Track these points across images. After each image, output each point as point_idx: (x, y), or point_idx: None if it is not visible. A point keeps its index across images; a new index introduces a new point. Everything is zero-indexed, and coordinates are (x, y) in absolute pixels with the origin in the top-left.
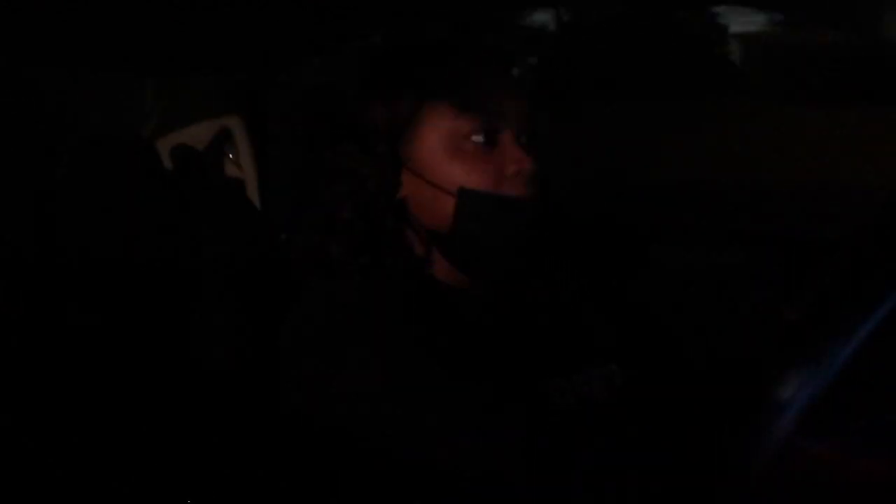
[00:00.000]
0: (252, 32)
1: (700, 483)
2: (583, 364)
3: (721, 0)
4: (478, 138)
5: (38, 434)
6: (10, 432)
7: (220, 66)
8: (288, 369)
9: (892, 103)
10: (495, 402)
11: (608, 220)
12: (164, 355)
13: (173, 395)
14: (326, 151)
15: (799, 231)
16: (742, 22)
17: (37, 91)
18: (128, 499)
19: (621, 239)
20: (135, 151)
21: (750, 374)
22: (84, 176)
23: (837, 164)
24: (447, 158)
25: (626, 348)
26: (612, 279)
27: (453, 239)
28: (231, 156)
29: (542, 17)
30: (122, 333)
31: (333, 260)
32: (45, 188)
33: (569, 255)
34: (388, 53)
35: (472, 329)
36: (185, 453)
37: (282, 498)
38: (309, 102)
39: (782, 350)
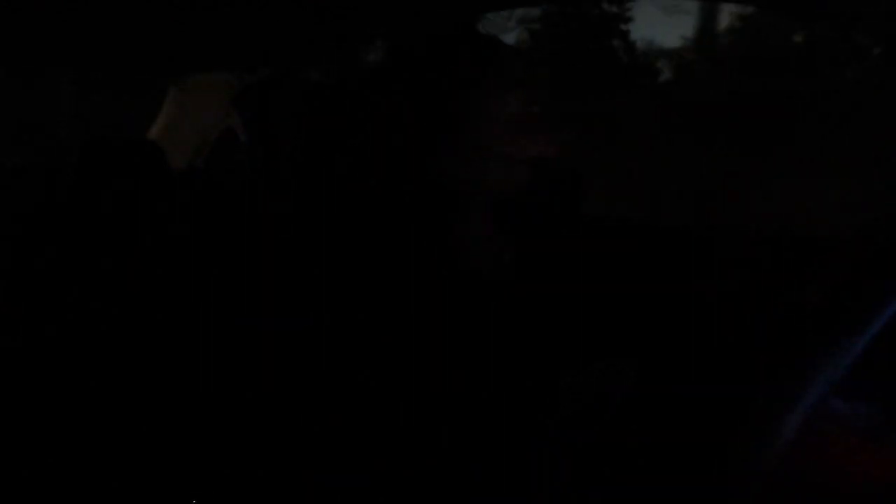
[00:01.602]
0: (257, 33)
1: (707, 480)
2: (598, 358)
3: None
4: (536, 110)
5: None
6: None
7: (227, 67)
8: None
9: None
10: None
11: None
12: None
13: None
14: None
15: None
16: None
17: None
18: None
19: (635, 237)
20: (141, 151)
21: (758, 370)
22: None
23: None
24: (515, 131)
25: (642, 345)
26: (621, 275)
27: (519, 206)
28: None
29: None
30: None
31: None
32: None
33: (585, 248)
34: (448, 45)
35: (495, 316)
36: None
37: None
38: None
39: (793, 344)
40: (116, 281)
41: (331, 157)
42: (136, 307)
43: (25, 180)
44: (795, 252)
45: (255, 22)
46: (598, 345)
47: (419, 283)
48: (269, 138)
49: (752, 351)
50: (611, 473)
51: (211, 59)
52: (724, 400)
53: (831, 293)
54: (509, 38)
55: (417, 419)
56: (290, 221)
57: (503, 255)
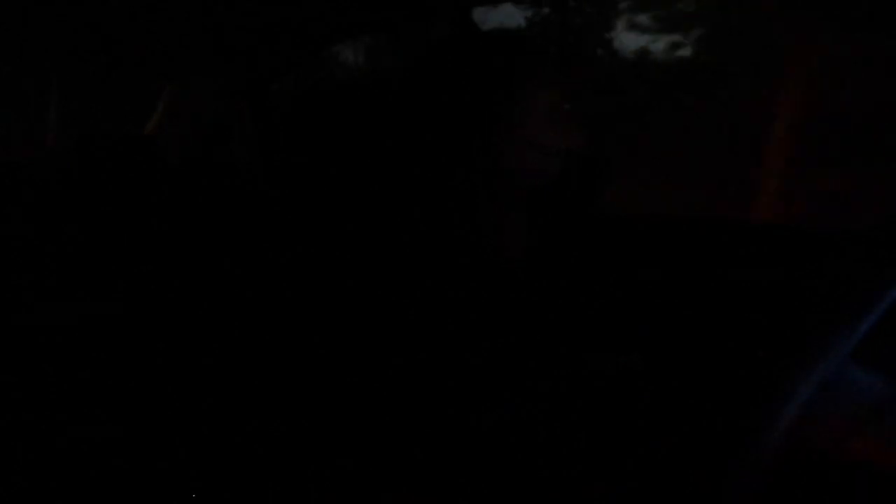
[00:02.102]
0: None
1: (706, 476)
2: (606, 349)
3: None
4: (567, 105)
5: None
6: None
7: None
8: None
9: None
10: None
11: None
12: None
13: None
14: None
15: None
16: None
17: None
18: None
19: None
20: (134, 147)
21: (755, 367)
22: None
23: None
24: (552, 125)
25: (650, 339)
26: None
27: (551, 196)
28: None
29: None
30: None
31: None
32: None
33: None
34: (488, 43)
35: (525, 302)
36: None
37: None
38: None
39: (785, 343)
40: (115, 276)
41: (347, 152)
42: (134, 300)
43: (21, 177)
44: (801, 243)
45: (253, 18)
46: (609, 333)
47: (450, 271)
48: (271, 136)
49: (755, 337)
50: (617, 451)
51: (208, 55)
52: (724, 384)
53: (836, 282)
54: None
55: (449, 407)
56: (295, 215)
57: (533, 244)
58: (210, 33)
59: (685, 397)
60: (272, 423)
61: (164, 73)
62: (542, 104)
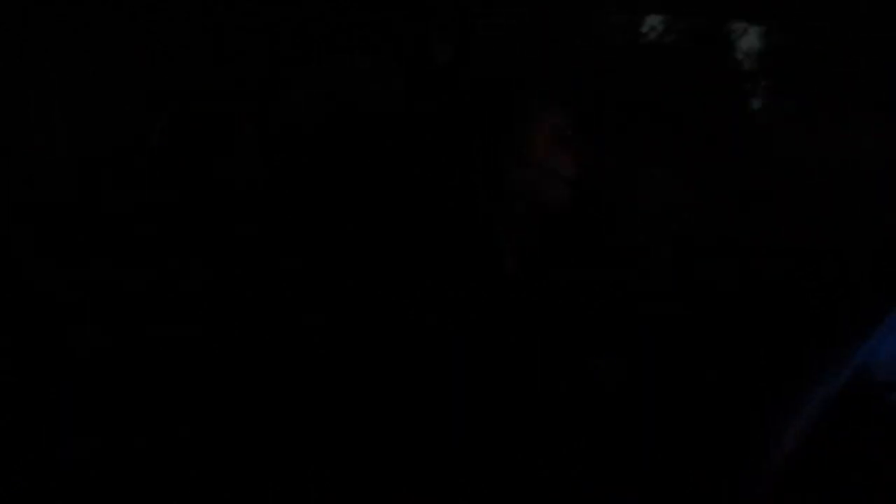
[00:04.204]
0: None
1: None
2: (592, 353)
3: None
4: (570, 133)
5: None
6: None
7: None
8: None
9: None
10: None
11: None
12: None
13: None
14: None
15: None
16: None
17: None
18: None
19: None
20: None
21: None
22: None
23: None
24: (558, 150)
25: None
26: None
27: (560, 217)
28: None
29: None
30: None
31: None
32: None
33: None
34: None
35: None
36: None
37: None
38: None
39: (799, 352)
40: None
41: (354, 170)
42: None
43: None
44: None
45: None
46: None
47: (461, 288)
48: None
49: (760, 352)
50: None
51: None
52: (730, 400)
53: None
54: None
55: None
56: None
57: (539, 262)
58: (211, 38)
59: (690, 401)
60: (275, 423)
61: (165, 80)
62: (547, 129)
